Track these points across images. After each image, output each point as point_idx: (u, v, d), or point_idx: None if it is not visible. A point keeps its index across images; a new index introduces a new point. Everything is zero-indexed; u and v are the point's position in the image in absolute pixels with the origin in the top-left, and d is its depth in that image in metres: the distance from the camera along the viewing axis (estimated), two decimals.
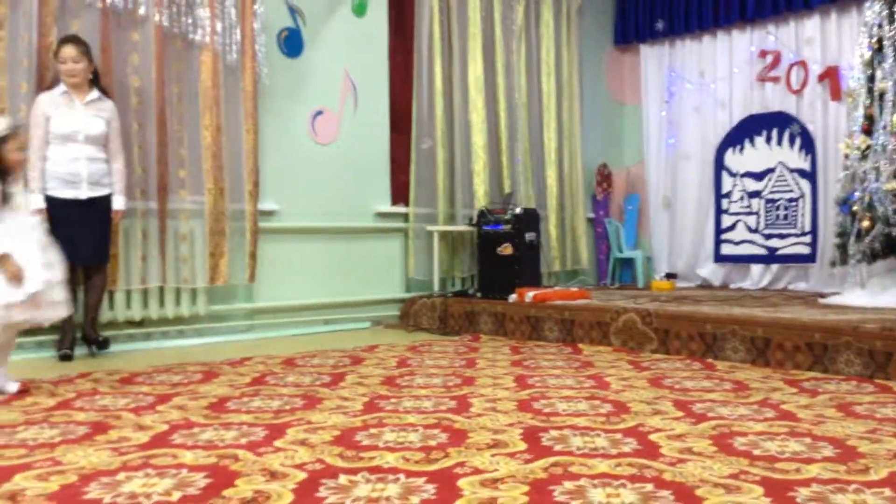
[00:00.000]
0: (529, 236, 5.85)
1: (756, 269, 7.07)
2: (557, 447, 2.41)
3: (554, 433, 2.59)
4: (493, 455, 2.32)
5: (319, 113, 5.78)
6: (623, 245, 7.58)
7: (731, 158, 7.23)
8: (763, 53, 7.03)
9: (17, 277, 3.19)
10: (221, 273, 5.09)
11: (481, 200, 6.42)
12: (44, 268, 3.27)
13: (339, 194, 5.86)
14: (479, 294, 5.89)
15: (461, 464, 2.23)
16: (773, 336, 4.07)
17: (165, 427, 2.69)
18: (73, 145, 4.30)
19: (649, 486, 2.03)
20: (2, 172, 3.31)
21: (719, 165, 7.30)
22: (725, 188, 7.27)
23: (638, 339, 4.64)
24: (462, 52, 6.47)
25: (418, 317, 5.87)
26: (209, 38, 5.05)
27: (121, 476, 2.12)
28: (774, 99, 6.98)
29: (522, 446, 2.42)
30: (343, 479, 2.09)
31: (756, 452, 2.36)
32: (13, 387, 3.32)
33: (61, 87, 4.32)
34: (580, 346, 4.81)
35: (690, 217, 7.56)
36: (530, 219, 5.91)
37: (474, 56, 6.50)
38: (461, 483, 2.05)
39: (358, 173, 5.98)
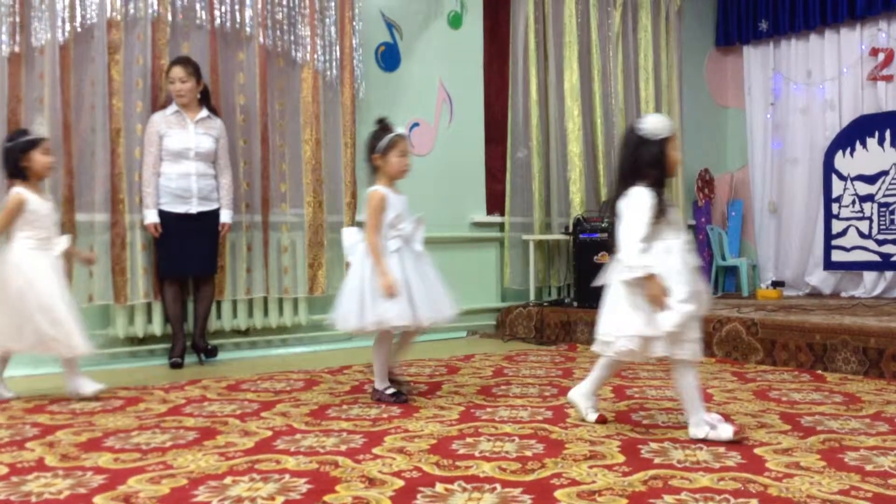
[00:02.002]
0: None
1: (869, 276, 6.73)
2: (657, 460, 2.37)
3: (654, 445, 2.54)
4: (590, 467, 2.29)
5: (416, 125, 5.86)
6: (726, 252, 7.36)
7: (842, 161, 6.92)
8: (874, 51, 6.71)
9: (660, 302, 2.60)
10: (320, 283, 5.22)
11: (577, 209, 6.37)
12: (688, 297, 2.62)
13: (434, 204, 5.90)
14: (575, 303, 5.83)
15: (558, 475, 2.21)
16: (888, 347, 3.87)
17: (269, 433, 2.78)
18: (185, 162, 4.51)
19: (754, 502, 1.96)
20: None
21: (828, 168, 7.00)
22: (835, 192, 6.96)
23: (742, 349, 4.50)
24: (558, 60, 6.44)
25: (514, 326, 5.85)
26: (310, 55, 5.20)
27: (227, 480, 2.20)
28: (887, 98, 6.65)
29: (621, 458, 2.39)
30: (440, 487, 2.11)
31: (868, 468, 2.25)
32: None
33: (173, 107, 4.53)
34: None
35: (798, 223, 7.28)
36: None
37: (570, 63, 6.46)
38: (558, 494, 2.04)
39: (454, 183, 6.03)
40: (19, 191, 3.45)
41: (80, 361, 3.59)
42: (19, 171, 3.48)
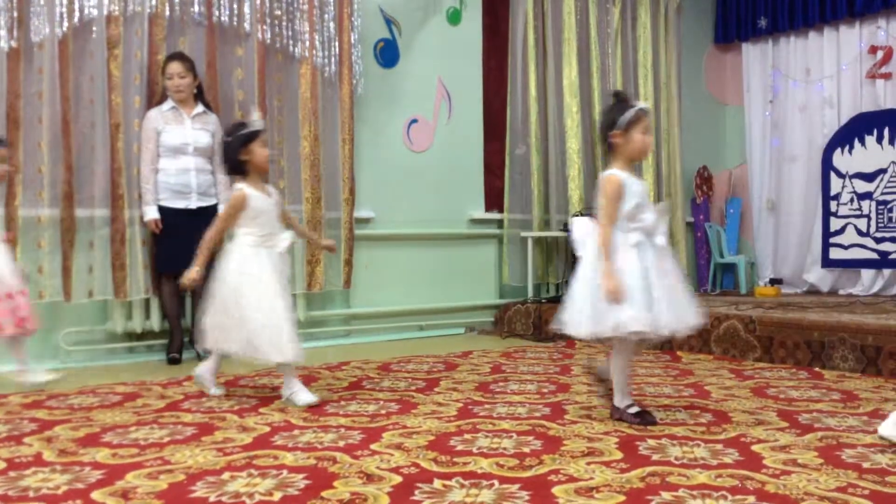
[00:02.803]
0: None
1: (867, 274, 6.74)
2: (655, 457, 2.37)
3: (651, 442, 2.54)
4: (588, 463, 2.30)
5: (414, 121, 5.86)
6: (724, 250, 7.37)
7: (840, 159, 6.93)
8: (873, 49, 6.71)
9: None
10: (318, 280, 5.22)
11: (576, 206, 6.37)
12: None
13: (433, 201, 5.92)
14: None
15: (556, 471, 2.22)
16: (885, 344, 3.88)
17: (267, 429, 2.78)
18: (184, 157, 4.50)
19: (751, 499, 1.97)
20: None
21: (827, 166, 7.01)
22: (834, 190, 6.97)
23: (740, 346, 4.51)
24: (556, 56, 6.44)
25: (512, 323, 5.86)
26: (308, 51, 5.19)
27: (225, 476, 2.20)
28: (886, 96, 6.66)
29: (619, 455, 2.39)
30: (438, 483, 2.11)
31: (865, 465, 2.26)
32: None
33: (169, 103, 4.52)
34: (679, 353, 4.70)
35: (796, 220, 7.28)
36: None
37: (569, 60, 6.46)
38: (556, 490, 2.04)
39: (452, 180, 6.03)
40: (241, 187, 3.27)
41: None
42: (240, 166, 3.30)
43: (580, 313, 2.85)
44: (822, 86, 7.10)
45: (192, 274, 3.24)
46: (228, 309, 3.20)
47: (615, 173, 2.87)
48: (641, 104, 2.94)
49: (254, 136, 3.28)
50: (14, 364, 3.65)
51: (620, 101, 2.96)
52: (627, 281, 2.74)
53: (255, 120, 3.36)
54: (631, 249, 2.79)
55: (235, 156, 3.28)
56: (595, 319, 2.79)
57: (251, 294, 3.17)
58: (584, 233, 2.95)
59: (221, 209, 4.64)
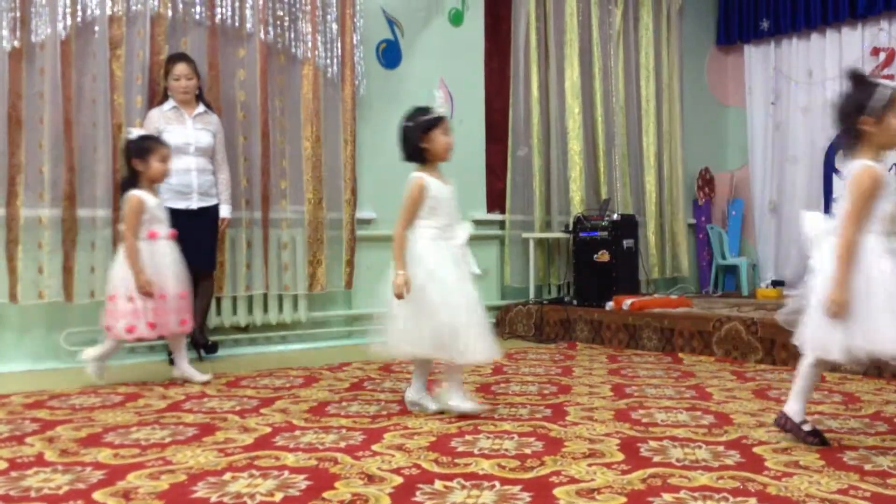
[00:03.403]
0: (627, 243, 5.75)
1: None
2: (656, 458, 2.37)
3: (653, 444, 2.54)
4: (589, 465, 2.30)
5: None
6: (726, 251, 7.36)
7: (842, 161, 6.91)
8: (875, 51, 6.71)
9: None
10: (319, 281, 5.22)
11: (577, 207, 6.37)
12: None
13: None
14: (575, 301, 5.83)
15: (557, 472, 2.22)
16: None
17: (269, 430, 2.78)
18: (185, 157, 4.50)
19: (752, 500, 1.97)
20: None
21: (829, 168, 7.00)
22: (836, 192, 6.94)
23: (742, 348, 4.50)
24: (559, 58, 6.44)
25: (514, 324, 5.86)
26: (311, 52, 5.20)
27: (227, 476, 2.20)
28: None
29: (620, 457, 2.39)
30: (439, 484, 2.11)
31: (867, 467, 2.25)
32: None
33: (170, 103, 4.52)
34: (680, 355, 4.70)
35: (798, 222, 7.25)
36: (627, 225, 5.82)
37: (571, 62, 6.46)
38: (557, 492, 2.04)
39: (454, 181, 5.91)
40: (420, 176, 3.04)
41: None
42: (418, 153, 3.08)
43: (819, 330, 2.43)
44: (824, 87, 7.09)
45: (398, 280, 2.95)
46: (415, 306, 2.93)
47: (870, 165, 2.43)
48: (889, 83, 2.49)
49: (437, 122, 3.08)
50: (178, 357, 3.85)
51: (862, 83, 2.52)
52: (880, 295, 2.34)
53: (439, 105, 3.14)
54: (887, 256, 2.38)
55: (415, 142, 3.06)
56: (846, 335, 2.37)
57: (434, 291, 2.94)
58: (816, 231, 2.58)
59: (223, 209, 4.66)
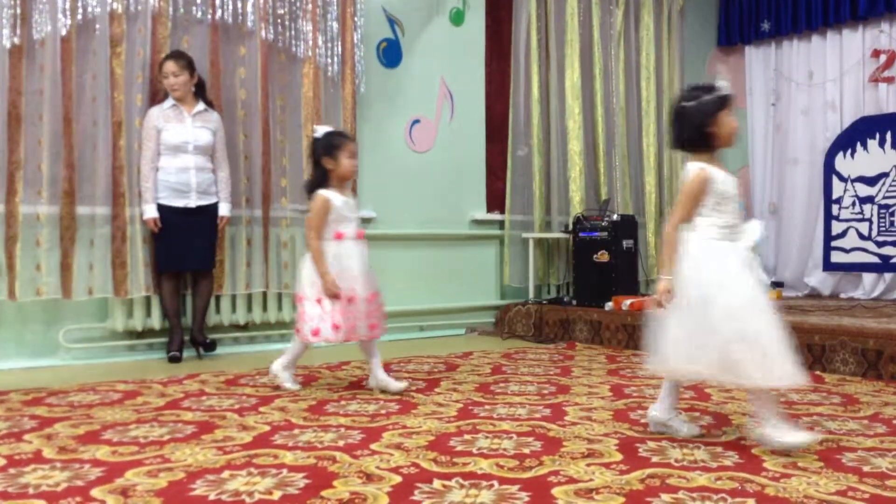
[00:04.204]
0: (626, 243, 5.75)
1: (868, 278, 6.74)
2: (655, 458, 2.37)
3: (651, 444, 2.54)
4: (588, 465, 2.30)
5: (416, 121, 5.86)
6: None
7: (842, 163, 6.92)
8: (876, 53, 6.71)
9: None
10: None
11: (577, 207, 6.36)
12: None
13: (435, 202, 5.92)
14: (574, 301, 5.83)
15: (555, 472, 2.22)
16: (886, 348, 3.88)
17: (267, 428, 2.78)
18: (184, 156, 4.50)
19: (751, 501, 1.97)
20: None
21: (829, 170, 7.00)
22: (836, 193, 6.96)
23: None
24: (559, 58, 6.44)
25: (513, 324, 5.86)
26: (311, 50, 5.19)
27: (225, 474, 2.20)
28: (888, 100, 6.65)
29: (618, 457, 2.39)
30: (437, 483, 2.11)
31: (865, 469, 2.26)
32: None
33: (170, 101, 4.52)
34: None
35: (798, 224, 7.28)
36: (627, 225, 5.82)
37: (571, 62, 6.46)
38: (555, 492, 2.04)
39: (454, 181, 6.03)
40: (703, 166, 2.60)
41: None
42: (703, 140, 2.61)
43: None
44: (824, 89, 7.09)
45: (662, 285, 2.58)
46: (696, 318, 2.51)
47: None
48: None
49: (725, 102, 2.60)
50: (373, 365, 3.56)
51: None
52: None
53: (722, 82, 2.64)
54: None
55: (702, 126, 2.59)
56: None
57: (721, 300, 2.48)
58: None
59: (223, 207, 4.65)
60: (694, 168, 2.61)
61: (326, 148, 3.52)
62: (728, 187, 2.64)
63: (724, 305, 2.47)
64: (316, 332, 3.47)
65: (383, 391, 3.48)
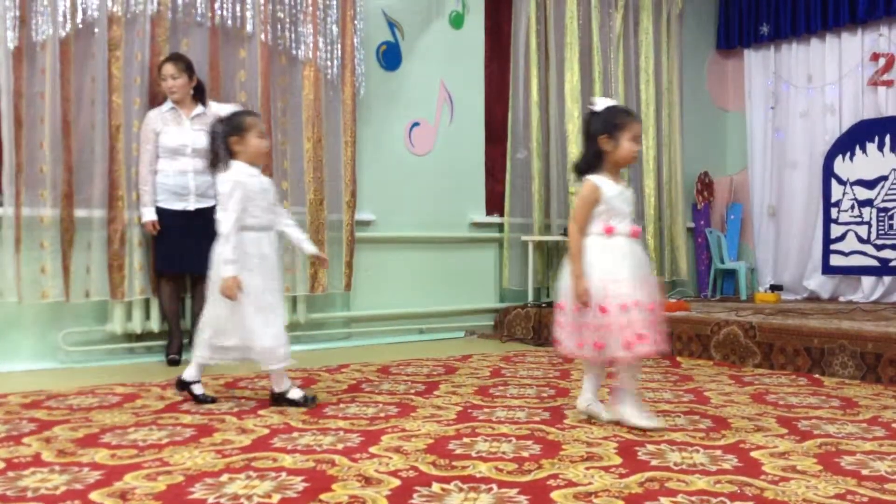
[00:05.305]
0: None
1: (867, 281, 6.74)
2: (654, 462, 2.37)
3: (650, 448, 2.54)
4: (587, 468, 2.30)
5: (416, 124, 5.86)
6: (725, 256, 7.37)
7: (841, 166, 6.93)
8: (875, 56, 6.72)
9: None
10: (321, 282, 5.22)
11: None
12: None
13: (434, 204, 5.92)
14: None
15: (554, 476, 2.21)
16: (885, 351, 3.88)
17: (266, 431, 2.78)
18: (182, 159, 4.50)
19: None
20: None
21: (828, 173, 7.01)
22: (835, 197, 6.97)
23: (740, 353, 4.50)
24: (559, 61, 6.44)
25: (512, 327, 5.86)
26: (311, 53, 5.20)
27: (224, 478, 2.20)
28: (887, 103, 6.66)
29: (617, 460, 2.39)
30: (436, 487, 2.11)
31: (864, 472, 2.26)
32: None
33: (169, 104, 4.52)
34: (678, 359, 4.70)
35: (797, 227, 7.28)
36: None
37: (571, 65, 6.46)
38: (554, 495, 2.04)
39: (453, 184, 6.03)
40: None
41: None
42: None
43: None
44: (823, 92, 7.10)
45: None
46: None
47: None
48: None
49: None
50: (588, 390, 3.05)
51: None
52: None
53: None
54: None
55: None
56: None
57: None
58: None
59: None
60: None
61: (606, 126, 2.92)
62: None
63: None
64: (580, 345, 2.94)
65: (620, 423, 2.92)
